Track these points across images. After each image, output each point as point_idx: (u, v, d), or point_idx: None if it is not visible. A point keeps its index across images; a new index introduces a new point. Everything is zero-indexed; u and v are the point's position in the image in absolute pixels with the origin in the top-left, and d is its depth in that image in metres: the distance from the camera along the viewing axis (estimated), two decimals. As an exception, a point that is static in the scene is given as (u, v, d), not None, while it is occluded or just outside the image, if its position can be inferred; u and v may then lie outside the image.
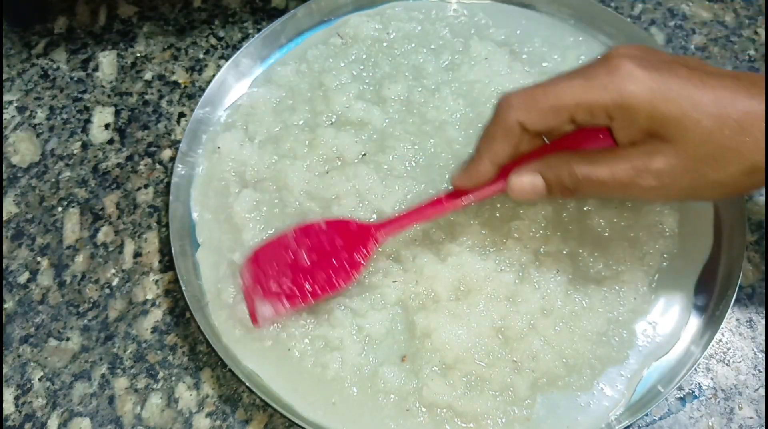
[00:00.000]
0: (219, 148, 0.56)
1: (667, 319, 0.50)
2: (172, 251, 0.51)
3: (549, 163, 0.42)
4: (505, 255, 0.51)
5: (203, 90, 0.58)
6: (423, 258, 0.50)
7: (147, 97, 0.63)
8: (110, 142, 0.61)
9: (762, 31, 0.65)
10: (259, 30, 0.64)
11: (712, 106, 0.37)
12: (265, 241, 0.50)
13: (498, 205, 0.53)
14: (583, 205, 0.53)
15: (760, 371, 0.51)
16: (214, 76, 0.59)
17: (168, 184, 0.57)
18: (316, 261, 0.48)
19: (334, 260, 0.48)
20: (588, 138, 0.43)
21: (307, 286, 0.47)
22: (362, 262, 0.48)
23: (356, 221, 0.50)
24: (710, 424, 0.49)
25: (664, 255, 0.51)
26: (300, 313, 0.49)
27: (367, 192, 0.53)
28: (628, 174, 0.39)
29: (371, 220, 0.52)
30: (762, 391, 0.50)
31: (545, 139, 0.44)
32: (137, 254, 0.56)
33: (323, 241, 0.49)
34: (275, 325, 0.49)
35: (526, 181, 0.42)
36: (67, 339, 0.53)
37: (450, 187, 0.47)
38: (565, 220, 0.52)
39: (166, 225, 0.56)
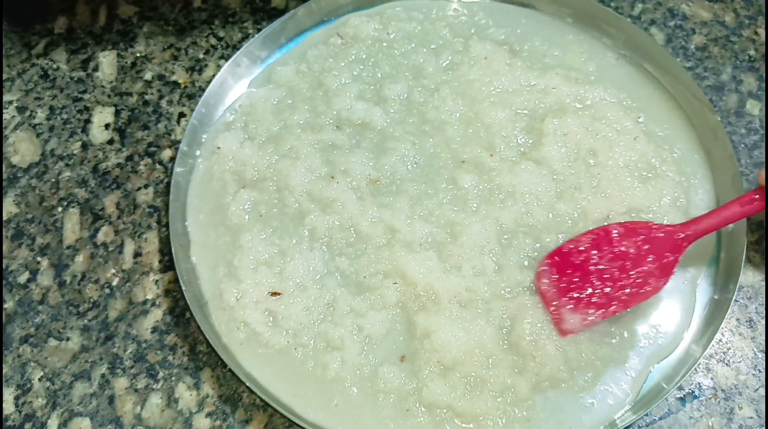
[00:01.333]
0: (219, 148, 0.56)
1: (670, 321, 0.50)
2: (172, 251, 0.51)
3: None
4: (508, 254, 0.51)
5: (203, 90, 0.58)
6: (425, 260, 0.50)
7: (147, 97, 0.63)
8: (110, 142, 0.61)
9: (762, 31, 0.65)
10: (259, 30, 0.64)
11: None
12: (559, 248, 0.49)
13: (500, 205, 0.53)
14: (580, 206, 0.53)
15: (760, 371, 0.51)
16: (214, 76, 0.59)
17: (168, 184, 0.57)
18: (620, 267, 0.46)
19: (638, 266, 0.46)
20: None
21: (613, 294, 0.46)
22: (672, 268, 0.46)
23: (655, 225, 0.47)
24: (710, 424, 0.49)
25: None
26: (304, 313, 0.49)
27: (369, 192, 0.53)
28: None
29: (375, 220, 0.52)
30: (762, 391, 0.50)
31: None
32: (137, 254, 0.56)
33: (625, 246, 0.47)
34: (286, 331, 0.49)
35: None
36: (67, 339, 0.53)
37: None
38: (569, 220, 0.52)
39: (166, 225, 0.56)
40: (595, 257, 0.47)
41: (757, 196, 0.43)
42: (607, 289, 0.46)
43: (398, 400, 0.47)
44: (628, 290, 0.46)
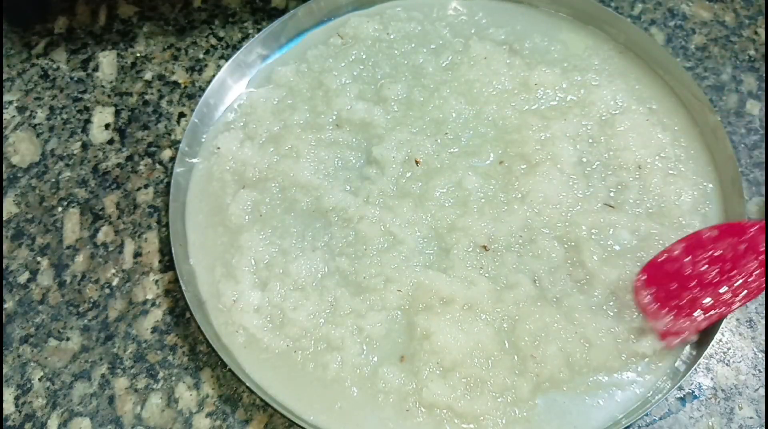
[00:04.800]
0: (219, 148, 0.56)
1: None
2: (172, 251, 0.51)
3: None
4: (508, 255, 0.51)
5: (203, 90, 0.58)
6: (426, 260, 0.50)
7: (147, 97, 0.63)
8: (110, 142, 0.61)
9: (762, 31, 0.65)
10: (259, 30, 0.64)
11: None
12: (653, 260, 0.49)
13: (505, 208, 0.53)
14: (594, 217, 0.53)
15: (760, 371, 0.51)
16: (214, 76, 0.59)
17: (168, 184, 0.57)
18: (718, 270, 0.46)
19: (736, 267, 0.46)
20: None
21: (713, 299, 0.46)
22: None
23: (752, 223, 0.47)
24: (710, 424, 0.49)
25: None
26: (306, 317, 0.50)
27: (370, 191, 0.53)
28: None
29: (375, 219, 0.52)
30: (762, 391, 0.50)
31: None
32: (137, 254, 0.56)
33: (720, 249, 0.47)
34: (287, 340, 0.49)
35: None
36: (67, 339, 0.53)
37: None
38: (569, 221, 0.52)
39: (166, 225, 0.56)
40: (690, 263, 0.47)
41: None
42: (708, 294, 0.46)
43: (398, 401, 0.47)
44: (733, 291, 0.46)
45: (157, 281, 0.55)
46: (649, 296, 0.47)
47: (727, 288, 0.46)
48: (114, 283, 0.55)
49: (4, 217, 0.58)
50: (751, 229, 0.47)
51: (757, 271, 0.46)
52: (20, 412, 0.50)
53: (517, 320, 0.48)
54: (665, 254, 0.48)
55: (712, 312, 0.46)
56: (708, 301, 0.46)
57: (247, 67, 0.60)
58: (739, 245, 0.46)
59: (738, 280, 0.46)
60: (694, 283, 0.46)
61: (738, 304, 0.46)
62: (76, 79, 0.64)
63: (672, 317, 0.46)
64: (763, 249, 0.46)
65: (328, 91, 0.58)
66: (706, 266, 0.46)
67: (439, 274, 0.50)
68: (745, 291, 0.46)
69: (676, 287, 0.47)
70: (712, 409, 0.50)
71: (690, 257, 0.47)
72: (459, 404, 0.46)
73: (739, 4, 0.67)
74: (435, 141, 0.56)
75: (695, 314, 0.46)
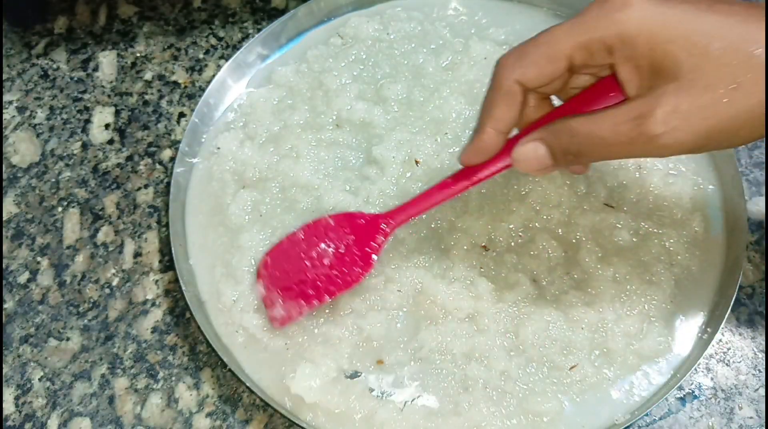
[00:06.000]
0: (219, 148, 0.56)
1: (686, 330, 0.50)
2: (172, 251, 0.51)
3: (550, 128, 0.38)
4: (520, 266, 0.50)
5: (203, 90, 0.58)
6: (426, 261, 0.50)
7: (147, 97, 0.63)
8: (110, 142, 0.61)
9: (762, 31, 0.65)
10: (259, 30, 0.64)
11: (721, 30, 0.33)
12: (276, 244, 0.50)
13: (503, 208, 0.53)
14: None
15: (760, 371, 0.51)
16: (214, 76, 0.59)
17: (168, 184, 0.57)
18: (327, 258, 0.48)
19: (346, 256, 0.48)
20: (598, 98, 0.39)
21: (321, 285, 0.47)
22: (374, 256, 0.48)
23: (363, 214, 0.49)
24: (710, 424, 0.49)
25: (690, 268, 0.51)
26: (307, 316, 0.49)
27: (370, 192, 0.53)
28: (631, 124, 0.34)
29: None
30: (762, 391, 0.50)
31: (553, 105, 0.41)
32: (137, 254, 0.56)
33: (333, 238, 0.49)
34: (287, 340, 0.49)
35: (529, 149, 0.39)
36: (67, 339, 0.53)
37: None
38: (574, 222, 0.52)
39: (166, 225, 0.56)
40: (306, 249, 0.49)
41: (451, 180, 0.45)
42: (317, 281, 0.48)
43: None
44: (332, 280, 0.48)
45: (157, 281, 0.55)
46: (266, 282, 0.49)
47: (332, 274, 0.48)
48: (114, 283, 0.55)
49: (4, 217, 0.58)
50: (360, 220, 0.49)
51: (360, 262, 0.48)
52: (20, 412, 0.50)
53: (519, 324, 0.48)
54: (286, 239, 0.50)
55: (314, 300, 0.47)
56: (313, 287, 0.47)
57: (247, 67, 0.60)
58: (349, 235, 0.48)
59: (342, 268, 0.48)
60: (305, 268, 0.48)
61: (336, 292, 0.48)
62: (76, 79, 0.64)
63: (282, 302, 0.48)
64: (371, 242, 0.48)
65: (328, 91, 0.58)
66: (319, 253, 0.48)
67: (439, 270, 0.50)
68: (347, 281, 0.48)
69: (290, 271, 0.48)
70: (712, 409, 0.50)
71: (307, 243, 0.49)
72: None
73: (739, 4, 0.66)
74: (435, 141, 0.56)
75: (301, 300, 0.47)
